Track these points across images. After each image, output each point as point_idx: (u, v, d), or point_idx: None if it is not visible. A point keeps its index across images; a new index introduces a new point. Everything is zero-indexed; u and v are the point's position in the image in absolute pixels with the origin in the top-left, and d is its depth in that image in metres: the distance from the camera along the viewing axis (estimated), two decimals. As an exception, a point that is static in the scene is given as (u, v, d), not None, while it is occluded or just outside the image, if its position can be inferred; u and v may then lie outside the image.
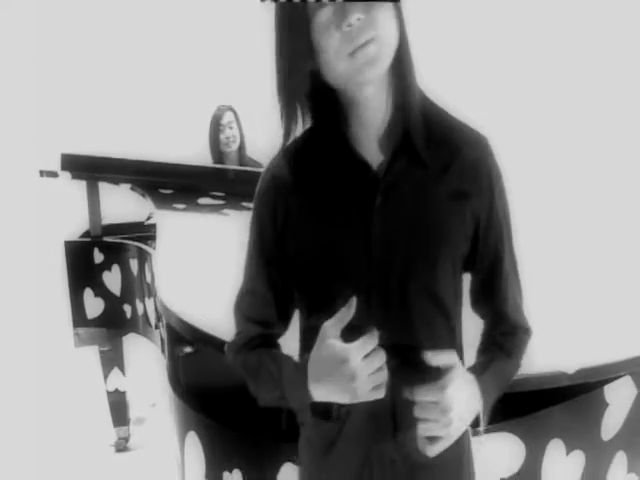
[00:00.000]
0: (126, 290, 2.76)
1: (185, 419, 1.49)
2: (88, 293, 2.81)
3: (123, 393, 3.12)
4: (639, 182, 3.87)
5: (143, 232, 2.86)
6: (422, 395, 0.88)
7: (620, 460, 1.51)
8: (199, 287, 1.76)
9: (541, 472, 1.39)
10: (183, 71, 4.43)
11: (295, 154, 0.97)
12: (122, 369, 3.10)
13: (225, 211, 2.36)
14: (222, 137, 3.32)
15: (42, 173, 2.51)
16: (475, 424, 0.98)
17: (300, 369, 0.94)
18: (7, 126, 4.34)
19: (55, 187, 3.31)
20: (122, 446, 3.15)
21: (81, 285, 2.79)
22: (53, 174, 2.48)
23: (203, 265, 1.95)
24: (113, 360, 3.06)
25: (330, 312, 0.89)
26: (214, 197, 2.56)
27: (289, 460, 1.31)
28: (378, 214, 0.92)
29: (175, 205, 2.38)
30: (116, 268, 2.76)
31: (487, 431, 1.00)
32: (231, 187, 2.62)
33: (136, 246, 2.69)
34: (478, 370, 0.97)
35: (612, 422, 1.47)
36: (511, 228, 1.01)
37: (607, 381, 1.44)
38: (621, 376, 1.46)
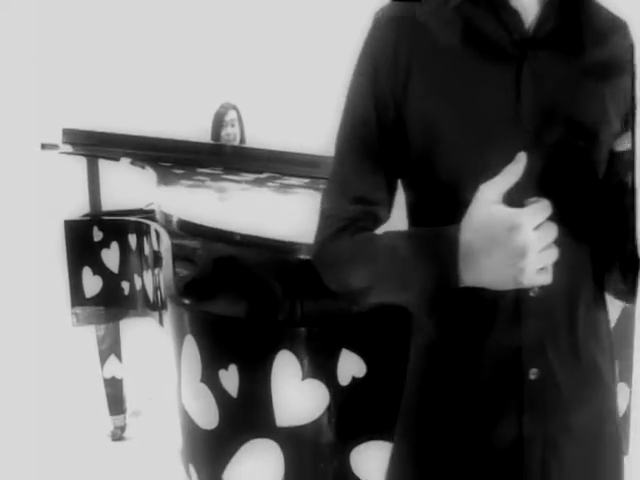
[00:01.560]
0: (124, 267, 2.79)
1: (182, 324, 1.51)
2: (87, 272, 2.83)
3: (120, 380, 3.12)
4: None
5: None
6: None
7: (611, 366, 1.53)
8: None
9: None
10: (183, 51, 4.52)
11: None
12: (119, 356, 3.10)
13: (224, 176, 2.43)
14: (223, 133, 3.45)
15: (44, 146, 2.58)
16: None
17: (449, 239, 0.73)
18: (8, 104, 4.40)
19: (57, 169, 3.39)
20: (118, 435, 3.12)
21: (80, 264, 2.82)
22: (54, 147, 2.55)
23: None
24: (110, 347, 3.06)
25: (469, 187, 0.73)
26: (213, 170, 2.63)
27: (284, 348, 1.34)
28: (529, 72, 0.80)
29: (174, 171, 2.44)
30: (115, 245, 2.80)
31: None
32: (229, 163, 2.69)
33: (135, 221, 2.74)
34: None
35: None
36: None
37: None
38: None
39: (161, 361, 3.59)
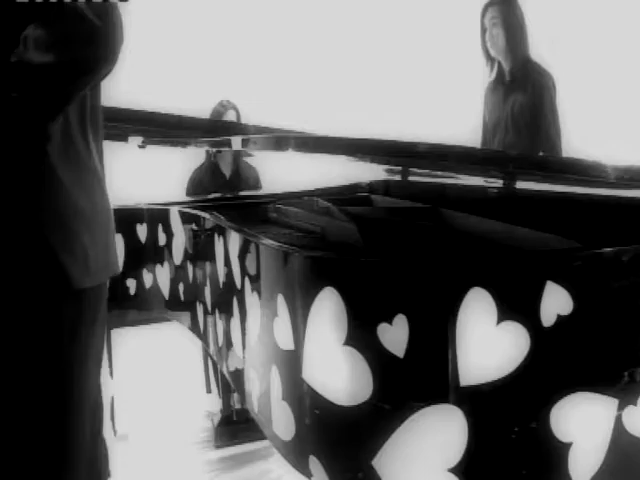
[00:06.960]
0: (131, 263, 2.46)
1: (314, 275, 1.25)
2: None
3: (111, 398, 2.73)
4: None
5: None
6: None
7: None
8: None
9: None
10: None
11: None
12: (111, 371, 2.72)
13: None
14: None
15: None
16: None
17: None
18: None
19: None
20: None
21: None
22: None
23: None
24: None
25: None
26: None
27: (477, 285, 1.10)
28: None
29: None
30: (119, 238, 2.45)
31: None
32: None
33: (146, 209, 2.43)
34: None
35: None
36: None
37: None
38: None
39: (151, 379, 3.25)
